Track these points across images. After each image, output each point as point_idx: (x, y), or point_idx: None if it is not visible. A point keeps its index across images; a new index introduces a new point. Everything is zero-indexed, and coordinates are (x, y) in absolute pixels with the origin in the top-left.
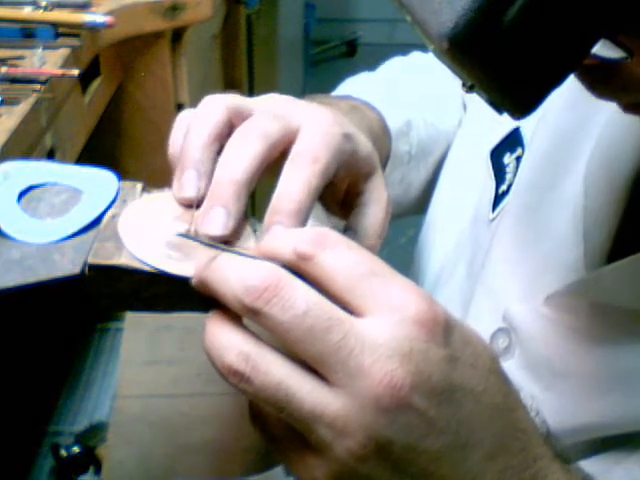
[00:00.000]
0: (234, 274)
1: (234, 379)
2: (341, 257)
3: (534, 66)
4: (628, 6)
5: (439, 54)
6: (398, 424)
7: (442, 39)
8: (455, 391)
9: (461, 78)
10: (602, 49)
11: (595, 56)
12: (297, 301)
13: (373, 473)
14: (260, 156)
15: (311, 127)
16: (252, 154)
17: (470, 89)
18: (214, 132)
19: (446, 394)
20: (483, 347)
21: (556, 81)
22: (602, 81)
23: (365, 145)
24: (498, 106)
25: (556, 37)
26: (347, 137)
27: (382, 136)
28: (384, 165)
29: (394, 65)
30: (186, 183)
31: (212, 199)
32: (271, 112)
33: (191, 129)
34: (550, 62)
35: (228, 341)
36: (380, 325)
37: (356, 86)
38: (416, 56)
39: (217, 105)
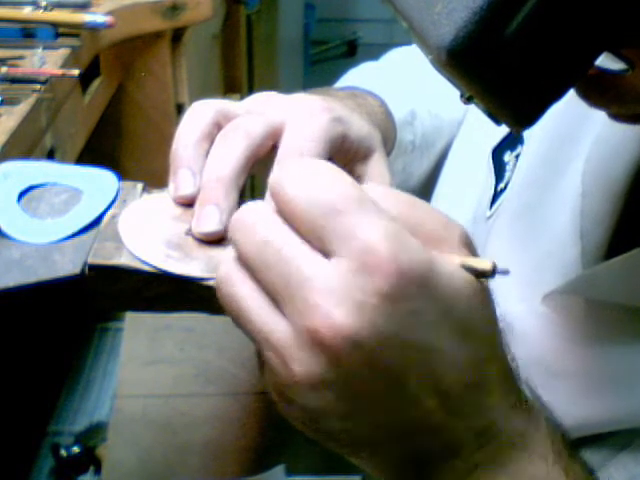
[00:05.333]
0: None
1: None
2: (302, 191)
3: (535, 80)
4: (631, 18)
5: (437, 65)
6: (339, 369)
7: (441, 51)
8: (407, 347)
9: (459, 89)
10: (602, 60)
11: (596, 67)
12: (259, 231)
13: (308, 403)
14: (243, 153)
15: (295, 120)
16: (235, 152)
17: (468, 100)
18: (202, 131)
19: (395, 349)
20: (464, 302)
21: (557, 94)
22: (598, 91)
23: (359, 126)
24: (496, 118)
25: (559, 50)
26: (337, 120)
27: (385, 120)
28: (390, 151)
29: (397, 55)
30: (181, 181)
31: (202, 199)
32: (254, 111)
33: (180, 131)
34: (552, 75)
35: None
36: (338, 269)
37: (358, 77)
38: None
39: (204, 108)
